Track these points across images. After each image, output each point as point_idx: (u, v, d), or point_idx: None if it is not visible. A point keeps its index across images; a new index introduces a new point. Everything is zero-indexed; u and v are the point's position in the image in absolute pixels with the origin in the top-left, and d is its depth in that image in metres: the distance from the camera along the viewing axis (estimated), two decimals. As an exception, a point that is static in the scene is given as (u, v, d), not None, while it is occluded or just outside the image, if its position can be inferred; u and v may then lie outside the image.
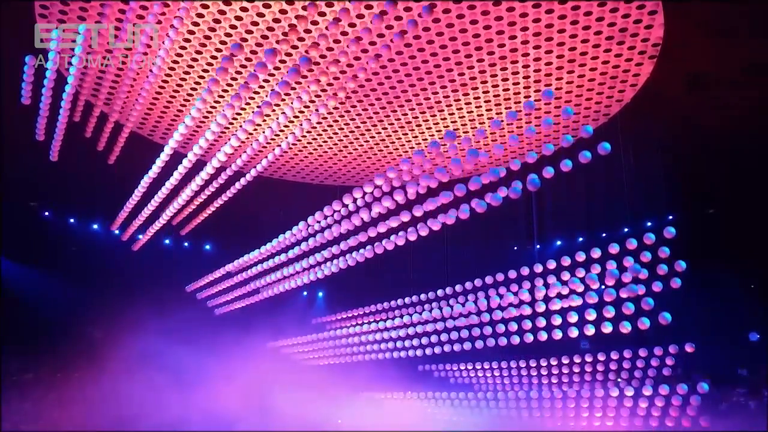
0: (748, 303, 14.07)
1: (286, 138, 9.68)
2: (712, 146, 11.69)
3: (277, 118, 8.81)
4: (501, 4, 7.75)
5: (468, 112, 10.63)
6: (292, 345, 15.98)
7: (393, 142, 11.87)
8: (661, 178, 11.24)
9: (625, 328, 9.34)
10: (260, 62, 7.38)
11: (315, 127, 11.34)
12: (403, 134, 11.51)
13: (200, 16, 8.06)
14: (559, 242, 17.26)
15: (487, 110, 10.54)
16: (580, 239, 17.14)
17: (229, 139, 8.59)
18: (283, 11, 7.88)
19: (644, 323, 9.19)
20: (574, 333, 10.09)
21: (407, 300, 13.22)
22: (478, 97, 10.12)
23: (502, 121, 10.32)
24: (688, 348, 10.72)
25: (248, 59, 8.95)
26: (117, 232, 13.00)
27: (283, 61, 8.81)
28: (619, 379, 12.20)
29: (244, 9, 7.90)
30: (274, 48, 7.49)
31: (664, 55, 8.84)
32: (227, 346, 15.83)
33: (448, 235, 11.50)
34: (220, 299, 14.72)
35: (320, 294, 19.67)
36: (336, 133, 11.61)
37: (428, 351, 13.16)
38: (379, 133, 11.51)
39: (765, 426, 12.75)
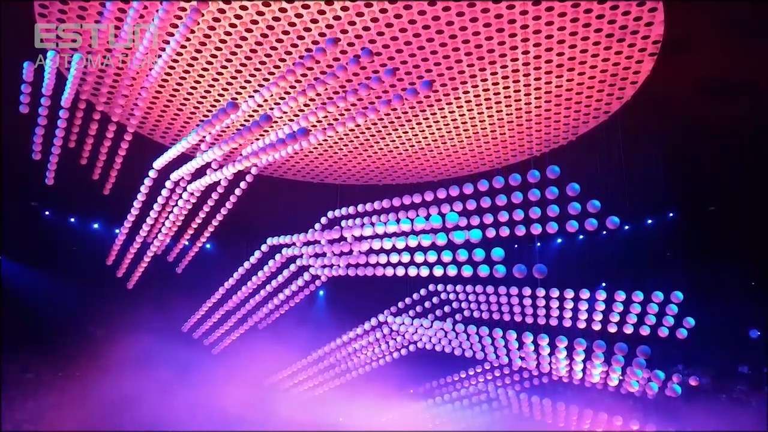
0: (749, 300, 14.08)
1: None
2: (713, 143, 11.69)
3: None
4: (500, 1, 7.74)
5: (468, 110, 10.62)
6: (292, 374, 15.87)
7: (393, 141, 11.87)
8: (662, 175, 11.24)
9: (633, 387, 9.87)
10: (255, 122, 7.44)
11: (315, 125, 11.33)
12: (403, 132, 11.51)
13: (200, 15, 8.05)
14: (559, 240, 17.25)
15: (487, 108, 10.53)
16: (581, 237, 17.16)
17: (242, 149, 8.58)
18: (283, 10, 7.88)
19: (652, 389, 9.65)
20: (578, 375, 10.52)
21: (407, 300, 13.28)
22: (478, 95, 10.11)
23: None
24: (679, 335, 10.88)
25: (248, 57, 8.95)
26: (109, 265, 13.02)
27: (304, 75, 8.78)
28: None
29: (243, 8, 7.90)
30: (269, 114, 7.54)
31: (664, 53, 8.83)
32: (229, 342, 15.84)
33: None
34: (217, 334, 14.76)
35: (321, 293, 19.67)
36: (336, 132, 11.58)
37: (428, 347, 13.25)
38: (380, 131, 11.50)
39: (765, 424, 12.76)
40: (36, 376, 15.54)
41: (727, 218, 14.38)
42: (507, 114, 10.71)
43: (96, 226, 16.91)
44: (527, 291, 11.57)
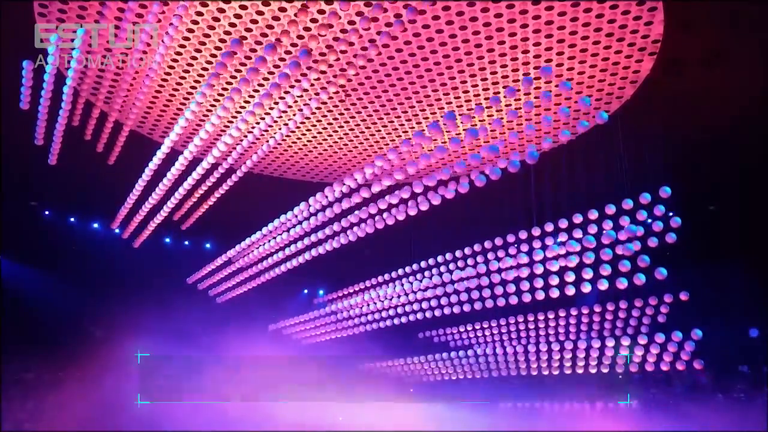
0: (749, 299, 14.07)
1: (280, 129, 9.77)
2: (713, 142, 11.69)
3: (271, 111, 8.83)
4: (500, 1, 7.74)
5: (468, 110, 10.62)
6: (293, 324, 16.13)
7: (393, 140, 11.87)
8: (662, 174, 11.23)
9: (622, 283, 9.60)
10: (260, 57, 7.41)
11: (315, 125, 11.36)
12: (403, 132, 11.51)
13: (199, 14, 8.06)
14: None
15: (487, 107, 10.52)
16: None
17: (227, 135, 8.61)
18: (282, 9, 7.88)
19: (640, 278, 9.43)
20: (571, 291, 10.52)
21: (408, 269, 13.29)
22: (478, 95, 10.11)
23: (518, 89, 9.89)
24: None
25: (248, 57, 8.95)
26: (117, 230, 13.04)
27: (282, 59, 8.81)
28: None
29: (243, 7, 7.90)
30: (274, 43, 7.49)
31: (664, 52, 8.83)
32: (229, 343, 15.86)
33: (447, 220, 11.61)
34: (221, 287, 14.78)
35: (321, 292, 19.68)
36: (336, 131, 11.61)
37: (428, 314, 13.27)
38: (379, 131, 11.51)
39: (765, 423, 12.76)
40: (36, 375, 15.54)
41: (727, 217, 14.37)
42: (507, 113, 10.70)
43: (96, 225, 16.91)
44: (524, 234, 11.40)
